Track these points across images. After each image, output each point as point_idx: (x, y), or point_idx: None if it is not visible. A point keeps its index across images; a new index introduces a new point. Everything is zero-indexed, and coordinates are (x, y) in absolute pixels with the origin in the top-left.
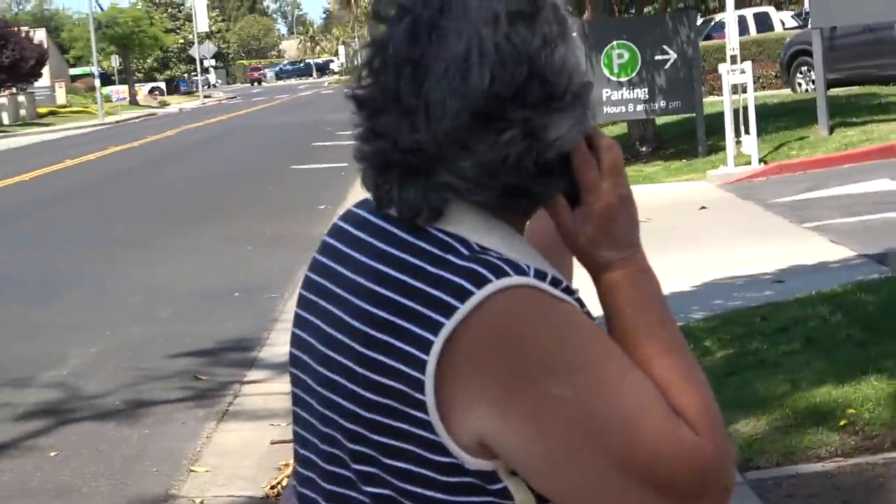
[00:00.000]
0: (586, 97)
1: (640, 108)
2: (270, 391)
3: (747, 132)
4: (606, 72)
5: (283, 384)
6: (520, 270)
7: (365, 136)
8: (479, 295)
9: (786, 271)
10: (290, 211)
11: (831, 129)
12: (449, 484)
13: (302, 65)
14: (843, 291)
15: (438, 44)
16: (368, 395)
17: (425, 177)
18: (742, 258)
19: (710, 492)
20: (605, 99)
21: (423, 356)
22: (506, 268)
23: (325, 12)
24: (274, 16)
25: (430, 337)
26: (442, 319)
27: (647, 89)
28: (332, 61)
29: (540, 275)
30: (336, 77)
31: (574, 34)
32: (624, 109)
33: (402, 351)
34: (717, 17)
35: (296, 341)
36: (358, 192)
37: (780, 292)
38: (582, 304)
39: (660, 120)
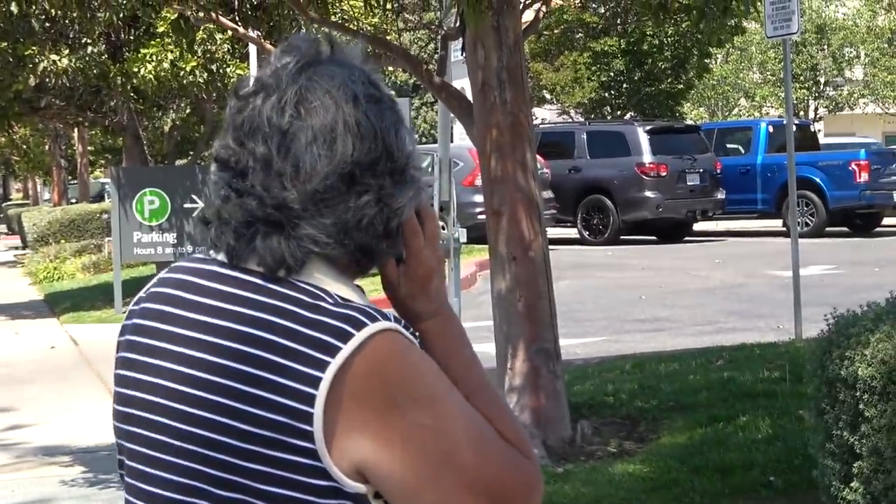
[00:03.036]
0: (420, 177)
1: (168, 250)
2: None
3: None
4: (138, 216)
5: None
6: (385, 316)
7: (226, 195)
8: (358, 337)
9: None
10: None
11: None
12: None
13: None
14: None
15: (306, 116)
16: (247, 427)
17: (289, 231)
18: None
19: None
20: (136, 241)
21: (311, 391)
22: (374, 313)
23: None
24: None
25: (318, 374)
26: (327, 358)
27: (176, 234)
28: None
29: (397, 320)
30: None
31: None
32: (153, 251)
33: (287, 387)
34: None
35: (125, 400)
36: None
37: None
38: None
39: None
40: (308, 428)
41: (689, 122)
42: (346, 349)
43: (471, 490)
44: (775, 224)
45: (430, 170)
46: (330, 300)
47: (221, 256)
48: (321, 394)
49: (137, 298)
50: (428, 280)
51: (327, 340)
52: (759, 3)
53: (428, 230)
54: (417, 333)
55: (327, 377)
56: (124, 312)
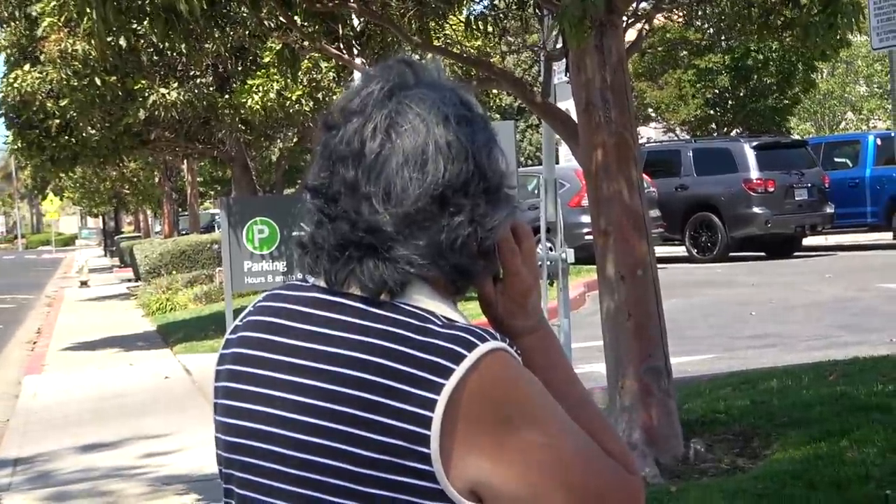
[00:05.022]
0: (514, 195)
1: (279, 278)
2: None
3: None
4: (248, 245)
5: None
6: (492, 336)
7: (319, 220)
8: (471, 358)
9: None
10: None
11: None
12: None
13: None
14: None
15: (397, 139)
16: (364, 452)
17: (383, 253)
18: None
19: None
20: (246, 270)
21: (427, 413)
22: (483, 333)
23: None
24: None
25: (433, 396)
26: (441, 381)
27: (286, 262)
28: None
29: (504, 340)
30: None
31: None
32: (264, 280)
33: (402, 410)
34: None
35: (235, 430)
36: (11, 351)
37: None
38: None
39: None
40: (425, 450)
41: (795, 136)
42: (459, 370)
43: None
44: (885, 237)
45: (535, 192)
46: (437, 322)
47: (320, 282)
48: (437, 416)
49: (234, 327)
50: (526, 297)
51: (440, 362)
52: (863, 16)
53: (524, 248)
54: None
55: (442, 399)
56: None
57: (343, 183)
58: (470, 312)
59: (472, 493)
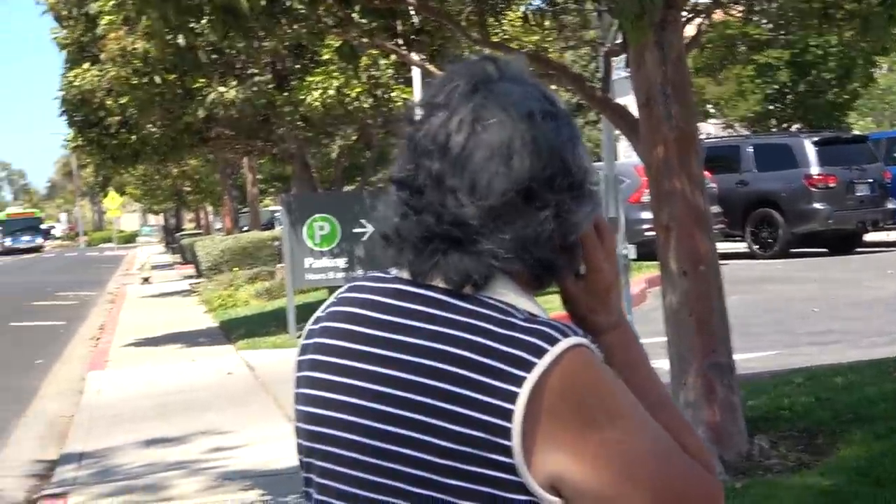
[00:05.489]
0: (597, 192)
1: (339, 275)
2: None
3: None
4: (309, 242)
5: None
6: (575, 332)
7: (404, 213)
8: (553, 353)
9: None
10: (6, 365)
11: None
12: None
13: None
14: None
15: (483, 133)
16: (444, 443)
17: (468, 246)
18: None
19: None
20: (307, 266)
21: (509, 406)
22: (564, 328)
23: (49, 182)
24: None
25: (515, 389)
26: (523, 374)
27: (346, 259)
28: (53, 227)
29: (585, 335)
30: (58, 241)
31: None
32: (325, 276)
33: (484, 403)
34: None
35: (316, 419)
36: (75, 347)
37: None
38: None
39: None
40: (506, 443)
41: (856, 132)
42: (541, 365)
43: (658, 501)
44: None
45: None
46: (519, 315)
47: (404, 274)
48: (519, 409)
49: (315, 318)
50: (608, 293)
51: (522, 356)
52: None
53: (606, 244)
54: (599, 347)
55: (524, 392)
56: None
57: (428, 175)
58: (548, 307)
59: (552, 488)
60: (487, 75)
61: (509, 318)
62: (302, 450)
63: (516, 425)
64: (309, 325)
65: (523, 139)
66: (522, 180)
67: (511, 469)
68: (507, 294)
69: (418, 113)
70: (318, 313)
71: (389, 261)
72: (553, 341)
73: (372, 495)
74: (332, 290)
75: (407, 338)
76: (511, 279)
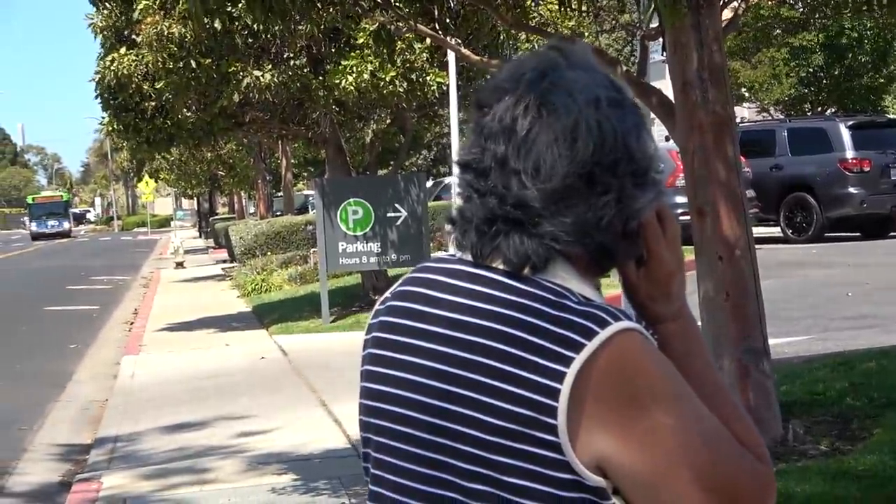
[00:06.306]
0: (661, 180)
1: (373, 259)
2: None
3: None
4: (343, 226)
5: None
6: (627, 316)
7: (468, 195)
8: (603, 335)
9: None
10: (41, 349)
11: None
12: (564, 499)
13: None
14: None
15: (548, 117)
16: (494, 420)
17: (530, 229)
18: None
19: None
20: (340, 251)
21: (556, 385)
22: (617, 313)
23: (83, 166)
24: (35, 168)
25: (563, 369)
26: (572, 354)
27: (380, 243)
28: (88, 211)
29: (638, 321)
30: (92, 226)
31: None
32: (358, 261)
33: (532, 381)
34: (446, 180)
35: (375, 395)
36: (109, 331)
37: None
38: None
39: (392, 271)
40: (553, 422)
41: (891, 116)
42: (591, 346)
43: (705, 488)
44: None
45: None
46: (574, 299)
47: (467, 256)
48: (565, 388)
49: (384, 298)
50: (669, 282)
51: (572, 337)
52: None
53: (669, 232)
54: (656, 335)
55: (572, 372)
56: (332, 322)
57: (493, 158)
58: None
59: (597, 468)
60: (554, 63)
61: (563, 301)
62: (362, 425)
63: (562, 404)
64: (377, 306)
65: (588, 124)
66: (585, 164)
67: (556, 447)
68: (565, 278)
69: (487, 97)
70: (387, 294)
71: (454, 243)
72: (604, 324)
73: (426, 470)
74: (365, 274)
75: (464, 317)
76: (570, 264)
